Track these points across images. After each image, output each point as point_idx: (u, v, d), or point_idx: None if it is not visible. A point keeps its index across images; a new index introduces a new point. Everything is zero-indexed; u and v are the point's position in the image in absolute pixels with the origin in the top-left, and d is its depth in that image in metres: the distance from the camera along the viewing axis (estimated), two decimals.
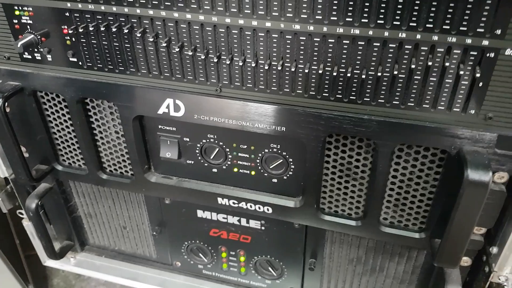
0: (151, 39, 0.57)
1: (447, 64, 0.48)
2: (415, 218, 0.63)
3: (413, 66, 0.49)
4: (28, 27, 0.62)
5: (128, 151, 0.71)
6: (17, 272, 0.94)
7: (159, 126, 0.68)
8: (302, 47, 0.52)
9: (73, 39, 0.62)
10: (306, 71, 0.53)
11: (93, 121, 0.71)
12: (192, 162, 0.70)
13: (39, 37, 0.62)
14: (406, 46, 0.48)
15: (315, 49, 0.52)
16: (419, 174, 0.59)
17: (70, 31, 0.61)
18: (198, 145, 0.68)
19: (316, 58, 0.53)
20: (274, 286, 0.84)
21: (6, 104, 0.66)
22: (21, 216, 0.88)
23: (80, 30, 0.60)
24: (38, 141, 0.75)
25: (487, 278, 0.62)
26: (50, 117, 0.73)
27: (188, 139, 0.68)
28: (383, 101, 0.54)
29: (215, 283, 0.88)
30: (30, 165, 0.73)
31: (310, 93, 0.56)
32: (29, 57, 0.66)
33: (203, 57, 0.57)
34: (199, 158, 0.69)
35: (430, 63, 0.48)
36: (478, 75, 0.47)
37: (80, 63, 0.64)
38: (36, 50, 0.65)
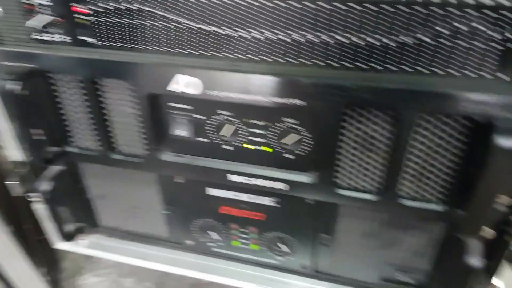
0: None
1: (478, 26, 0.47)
2: (436, 190, 0.63)
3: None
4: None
5: (140, 130, 0.71)
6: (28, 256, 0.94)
7: (171, 104, 0.68)
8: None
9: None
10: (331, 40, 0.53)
11: (104, 101, 0.70)
12: (204, 139, 0.70)
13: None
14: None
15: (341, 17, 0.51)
16: (440, 143, 0.58)
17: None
18: (210, 122, 0.67)
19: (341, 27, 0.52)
20: (285, 262, 0.85)
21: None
22: (31, 199, 0.88)
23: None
24: (49, 123, 0.74)
25: (506, 246, 0.62)
26: (62, 98, 0.72)
27: (200, 116, 0.67)
28: (407, 68, 0.53)
29: (226, 260, 0.89)
30: (42, 147, 0.73)
31: (329, 62, 0.55)
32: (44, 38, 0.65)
33: (220, 31, 0.56)
34: (211, 135, 0.69)
35: (460, 26, 0.47)
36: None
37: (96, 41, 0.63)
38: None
